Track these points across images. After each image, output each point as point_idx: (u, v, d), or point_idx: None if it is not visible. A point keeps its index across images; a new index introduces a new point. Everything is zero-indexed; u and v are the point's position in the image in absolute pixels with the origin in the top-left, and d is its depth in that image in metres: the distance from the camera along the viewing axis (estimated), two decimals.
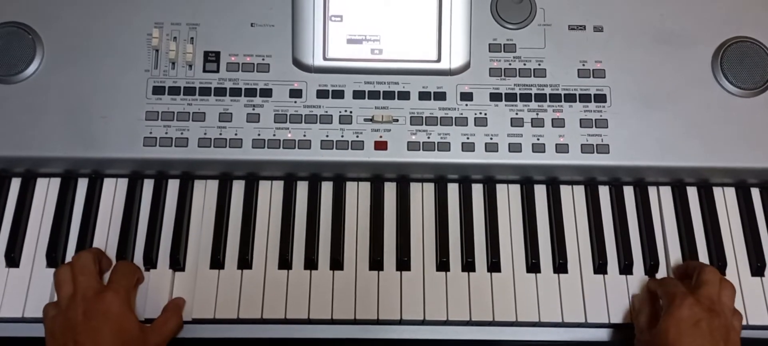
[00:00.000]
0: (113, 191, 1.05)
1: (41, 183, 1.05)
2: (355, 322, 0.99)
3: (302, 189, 1.06)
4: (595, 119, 1.04)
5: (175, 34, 1.05)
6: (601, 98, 1.05)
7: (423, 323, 0.99)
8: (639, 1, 1.08)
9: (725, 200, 1.07)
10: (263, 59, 1.05)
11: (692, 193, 1.07)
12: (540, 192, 1.06)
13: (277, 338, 0.99)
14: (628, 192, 1.07)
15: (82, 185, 1.06)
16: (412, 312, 0.98)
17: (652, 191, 1.07)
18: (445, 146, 1.02)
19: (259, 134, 1.02)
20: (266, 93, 1.03)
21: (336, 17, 1.05)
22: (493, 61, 1.06)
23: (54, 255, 1.01)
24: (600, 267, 1.02)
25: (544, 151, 1.02)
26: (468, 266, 1.01)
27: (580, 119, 1.04)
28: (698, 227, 1.05)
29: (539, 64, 1.05)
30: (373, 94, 1.04)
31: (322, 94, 1.04)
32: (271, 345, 0.99)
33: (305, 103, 1.03)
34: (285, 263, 1.01)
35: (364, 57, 1.05)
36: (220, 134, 1.02)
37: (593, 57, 1.06)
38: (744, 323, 0.98)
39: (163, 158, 1.02)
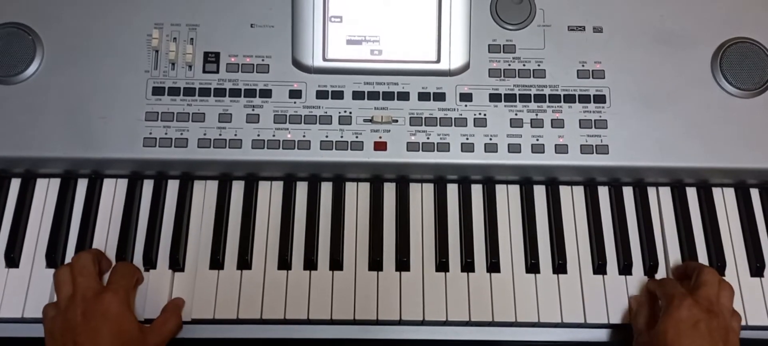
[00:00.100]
0: (113, 192, 1.05)
1: (41, 183, 1.06)
2: (354, 322, 0.99)
3: (302, 189, 1.06)
4: (595, 120, 1.04)
5: (175, 35, 1.05)
6: (600, 99, 1.05)
7: (422, 323, 0.99)
8: (639, 1, 1.08)
9: (725, 200, 1.07)
10: (263, 60, 1.05)
11: (692, 193, 1.07)
12: (539, 193, 1.06)
13: (277, 339, 0.99)
14: (628, 193, 1.07)
15: (82, 185, 1.06)
16: (412, 312, 0.98)
17: (651, 191, 1.07)
18: (444, 147, 1.02)
19: (258, 135, 1.02)
20: (266, 94, 1.04)
21: (336, 18, 1.05)
22: (493, 61, 1.06)
23: (53, 255, 1.01)
24: (599, 268, 1.02)
25: (543, 152, 1.02)
26: (467, 266, 1.01)
27: (580, 120, 1.04)
28: (698, 227, 1.05)
29: (539, 65, 1.06)
30: (373, 95, 1.04)
31: (321, 94, 1.04)
32: (270, 345, 0.99)
33: (305, 104, 1.03)
34: (284, 263, 1.01)
35: (363, 58, 1.05)
36: (220, 135, 1.02)
37: (593, 58, 1.06)
38: (743, 323, 0.98)
39: (163, 159, 1.02)
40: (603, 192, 1.07)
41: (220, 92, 1.04)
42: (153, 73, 1.04)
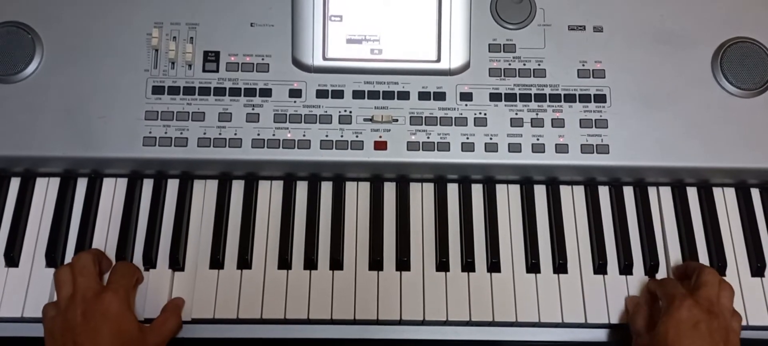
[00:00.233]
0: (113, 191, 1.05)
1: (41, 183, 1.05)
2: (354, 322, 0.99)
3: (302, 189, 1.06)
4: (595, 119, 1.04)
5: (175, 34, 1.05)
6: (600, 98, 1.04)
7: (423, 323, 0.99)
8: (639, 1, 1.08)
9: (725, 200, 1.07)
10: (263, 59, 1.05)
11: (692, 193, 1.07)
12: (540, 192, 1.06)
13: (277, 339, 0.99)
14: (628, 192, 1.07)
15: (82, 184, 1.06)
16: (412, 312, 0.98)
17: (652, 191, 1.07)
18: (444, 146, 1.02)
19: (258, 134, 1.02)
20: (266, 93, 1.03)
21: (336, 17, 1.05)
22: (493, 61, 1.06)
23: (53, 255, 1.01)
24: (600, 267, 1.02)
25: (543, 152, 1.02)
26: (468, 266, 1.01)
27: (580, 119, 1.04)
28: (698, 227, 1.05)
29: (539, 65, 1.05)
30: (373, 94, 1.04)
31: (321, 94, 1.04)
32: (270, 345, 0.99)
33: (305, 103, 1.03)
34: (284, 263, 1.01)
35: (363, 57, 1.05)
36: (220, 134, 1.02)
37: (593, 57, 1.06)
38: (744, 323, 0.98)
39: (163, 158, 1.02)
40: (603, 192, 1.07)
41: (219, 91, 1.03)
42: (153, 73, 1.04)
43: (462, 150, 1.02)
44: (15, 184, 1.05)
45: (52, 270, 1.00)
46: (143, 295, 0.99)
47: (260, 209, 1.04)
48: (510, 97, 1.04)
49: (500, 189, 1.06)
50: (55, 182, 1.05)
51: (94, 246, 1.02)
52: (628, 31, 1.07)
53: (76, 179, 1.06)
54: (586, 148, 1.03)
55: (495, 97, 1.04)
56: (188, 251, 1.02)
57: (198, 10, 1.06)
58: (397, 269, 1.01)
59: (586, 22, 1.07)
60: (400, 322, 0.99)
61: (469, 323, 0.99)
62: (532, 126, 1.03)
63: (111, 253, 1.01)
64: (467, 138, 1.02)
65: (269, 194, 1.05)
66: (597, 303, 1.00)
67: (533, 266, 1.02)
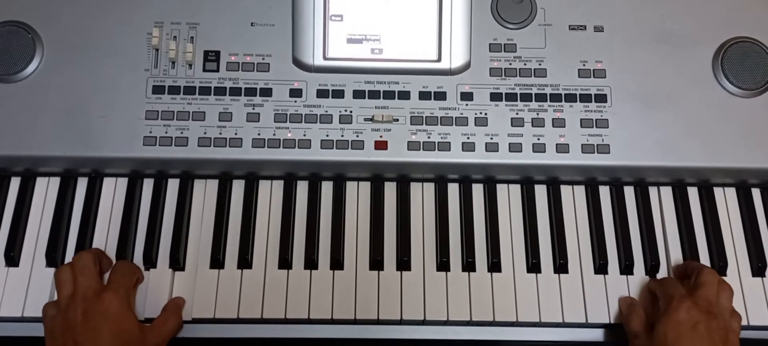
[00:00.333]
0: (113, 191, 1.05)
1: (41, 182, 1.05)
2: (355, 322, 0.99)
3: (302, 189, 1.06)
4: (596, 119, 1.04)
5: (175, 34, 1.05)
6: (601, 98, 1.04)
7: (423, 323, 0.99)
8: (639, 1, 1.08)
9: (726, 200, 1.07)
10: (263, 59, 1.05)
11: (693, 193, 1.07)
12: (540, 192, 1.06)
13: (277, 338, 0.99)
14: (629, 192, 1.07)
15: (82, 184, 1.06)
16: (413, 312, 0.98)
17: (652, 191, 1.07)
18: (445, 146, 1.02)
19: (259, 134, 1.02)
20: (266, 92, 1.03)
21: (336, 17, 1.05)
22: (494, 61, 1.06)
23: (53, 254, 1.01)
24: (600, 267, 1.02)
25: (544, 151, 1.02)
26: (468, 266, 1.01)
27: (581, 119, 1.04)
28: (699, 227, 1.05)
29: (540, 64, 1.05)
30: (373, 94, 1.04)
31: (322, 93, 1.04)
32: (271, 345, 0.99)
33: (305, 103, 1.03)
34: (285, 262, 1.01)
35: (364, 57, 1.05)
36: (220, 134, 1.02)
37: (594, 57, 1.06)
38: (744, 323, 0.98)
39: (163, 158, 1.02)
40: (604, 192, 1.07)
41: (220, 91, 1.03)
42: (153, 72, 1.04)
43: (463, 150, 1.02)
44: (15, 183, 1.05)
45: (52, 270, 1.00)
46: (143, 294, 0.99)
47: (261, 209, 1.04)
48: (511, 97, 1.04)
49: (501, 189, 1.06)
50: (55, 181, 1.05)
51: (94, 246, 1.02)
52: (629, 31, 1.07)
53: (77, 179, 1.06)
54: (586, 148, 1.03)
55: (496, 96, 1.04)
56: (188, 250, 1.02)
57: (198, 9, 1.06)
58: (397, 269, 1.01)
59: (587, 22, 1.07)
60: (401, 322, 0.99)
61: (469, 323, 0.99)
62: (532, 126, 1.03)
63: (111, 252, 1.01)
64: (468, 138, 1.02)
65: (270, 193, 1.05)
66: (598, 303, 1.00)
67: (534, 266, 1.02)
